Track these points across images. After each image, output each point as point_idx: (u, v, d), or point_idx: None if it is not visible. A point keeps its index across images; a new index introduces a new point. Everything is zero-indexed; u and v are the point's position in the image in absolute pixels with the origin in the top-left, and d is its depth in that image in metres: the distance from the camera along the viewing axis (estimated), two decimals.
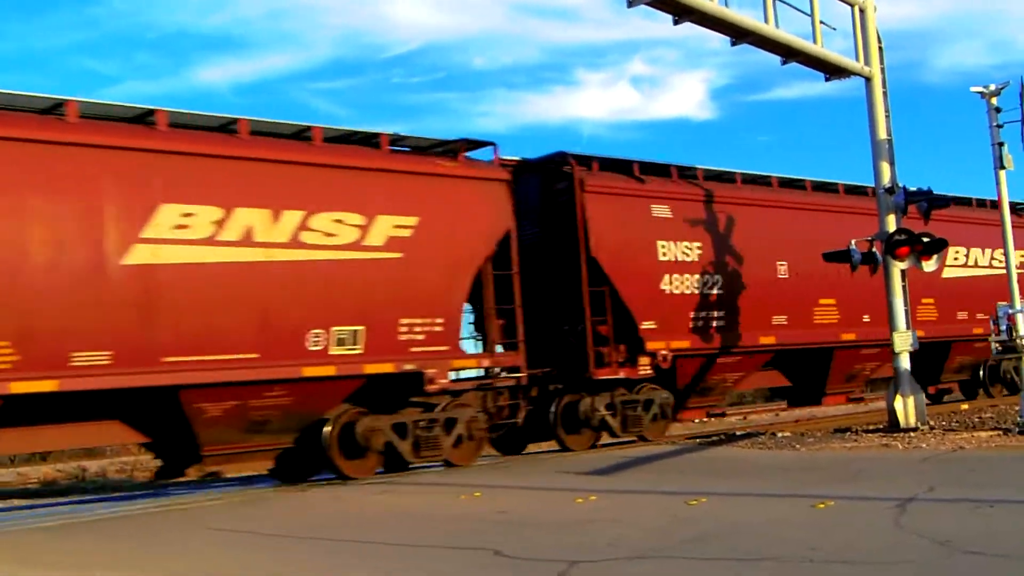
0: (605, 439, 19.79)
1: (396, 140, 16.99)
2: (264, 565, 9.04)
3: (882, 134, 18.97)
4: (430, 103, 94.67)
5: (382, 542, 9.80)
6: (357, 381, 15.76)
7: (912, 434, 17.45)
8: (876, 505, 10.10)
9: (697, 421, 27.39)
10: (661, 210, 19.82)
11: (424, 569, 8.46)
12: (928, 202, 18.80)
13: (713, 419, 28.10)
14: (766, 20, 17.17)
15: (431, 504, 12.71)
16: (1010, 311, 17.54)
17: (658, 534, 9.33)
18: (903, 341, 18.54)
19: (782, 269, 21.73)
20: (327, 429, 15.54)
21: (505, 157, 18.57)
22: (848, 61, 18.76)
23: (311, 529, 11.05)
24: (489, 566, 8.29)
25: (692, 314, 20.01)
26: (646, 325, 19.16)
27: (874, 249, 18.66)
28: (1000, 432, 16.96)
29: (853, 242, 18.74)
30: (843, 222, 22.24)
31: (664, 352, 19.30)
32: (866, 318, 22.75)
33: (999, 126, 18.39)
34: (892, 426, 18.33)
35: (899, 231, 18.45)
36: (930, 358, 24.85)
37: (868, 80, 19.01)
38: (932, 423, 18.66)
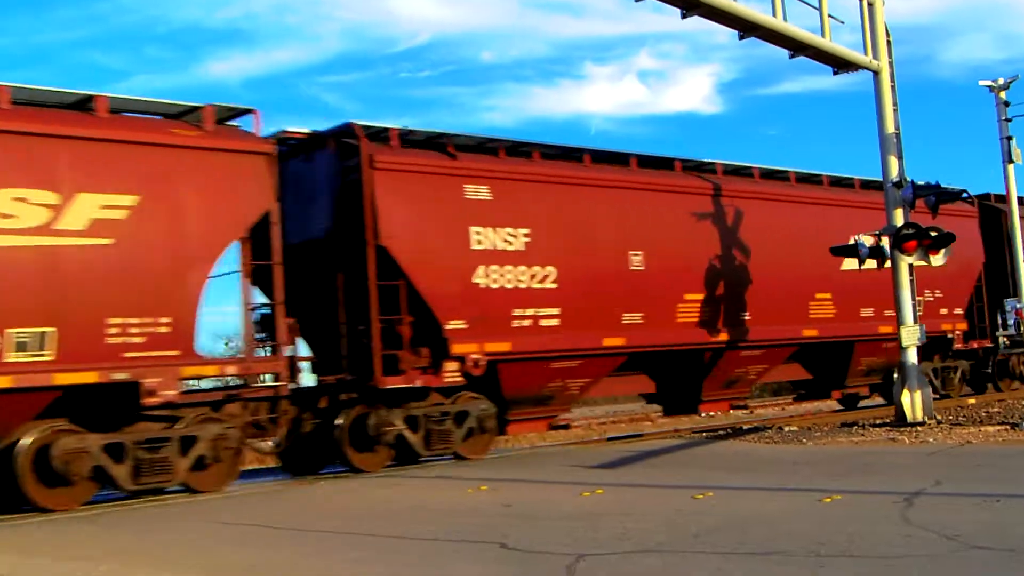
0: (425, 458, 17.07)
1: (121, 105, 14.38)
2: (274, 559, 9.06)
3: (890, 128, 18.95)
4: (438, 97, 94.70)
5: (390, 535, 9.80)
6: (49, 394, 13.07)
7: (919, 428, 17.45)
8: (883, 499, 10.09)
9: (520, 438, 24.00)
10: (478, 191, 17.18)
11: (431, 562, 8.47)
12: (936, 196, 18.77)
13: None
14: (774, 14, 17.15)
15: (438, 498, 12.72)
16: (1018, 306, 17.48)
17: (665, 527, 9.33)
18: (911, 335, 18.54)
19: (636, 260, 19.01)
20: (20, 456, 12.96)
21: (293, 129, 16.74)
22: (856, 55, 18.73)
23: (321, 523, 11.06)
24: (497, 559, 8.30)
25: (517, 312, 17.34)
26: (453, 325, 16.55)
27: (882, 243, 18.64)
28: (1008, 427, 16.95)
29: (859, 236, 18.71)
30: (724, 207, 20.78)
31: (476, 356, 16.67)
32: (746, 316, 20.73)
33: (1008, 120, 18.39)
34: (899, 420, 18.34)
35: (907, 225, 18.44)
36: (831, 360, 23.53)
37: (876, 74, 18.98)
38: (939, 417, 18.66)
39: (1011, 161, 18.33)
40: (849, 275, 21.54)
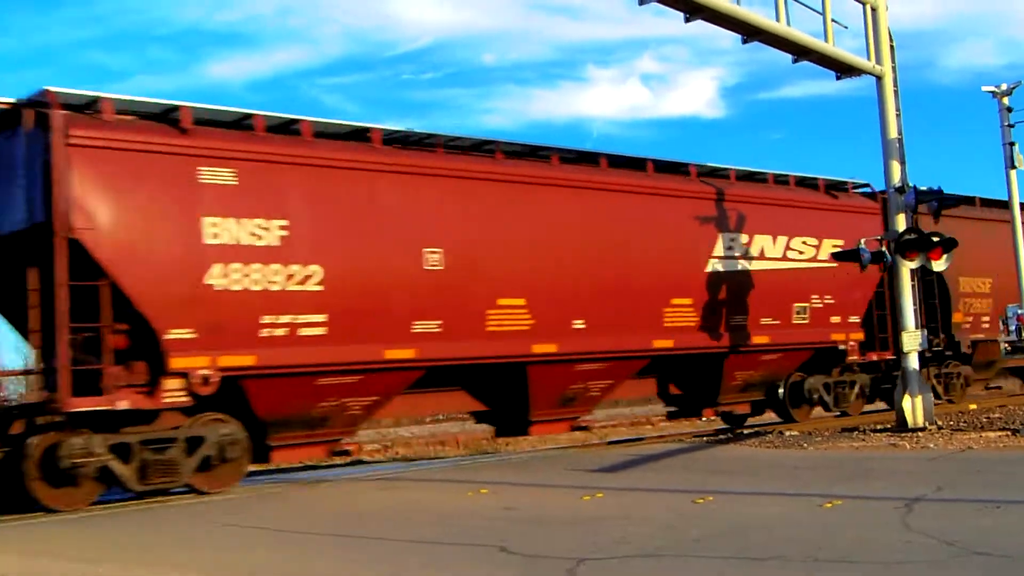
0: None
1: None
2: (275, 561, 9.07)
3: (892, 133, 18.95)
4: (440, 99, 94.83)
5: (390, 538, 9.81)
6: None
7: (920, 434, 17.44)
8: (883, 505, 10.10)
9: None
10: (217, 175, 14.13)
11: (431, 565, 8.48)
12: (938, 201, 18.78)
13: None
14: (777, 18, 17.16)
15: (438, 501, 12.73)
16: (1020, 311, 17.49)
17: (666, 532, 9.34)
18: (912, 341, 18.53)
19: (433, 259, 15.92)
20: None
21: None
22: (860, 60, 18.73)
23: (320, 525, 11.08)
24: (497, 563, 8.31)
25: (267, 319, 14.27)
26: (176, 334, 13.54)
27: (883, 248, 18.65)
28: (1009, 432, 16.94)
29: (863, 241, 18.72)
30: (554, 200, 17.62)
31: (206, 372, 13.68)
32: (580, 325, 17.58)
33: (1010, 126, 18.39)
34: (900, 425, 18.33)
35: (909, 230, 18.44)
36: (701, 374, 20.43)
37: (879, 79, 18.98)
38: (940, 423, 18.65)
39: (1013, 166, 18.32)
40: (717, 278, 19.80)
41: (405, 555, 8.99)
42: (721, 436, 19.98)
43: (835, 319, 21.98)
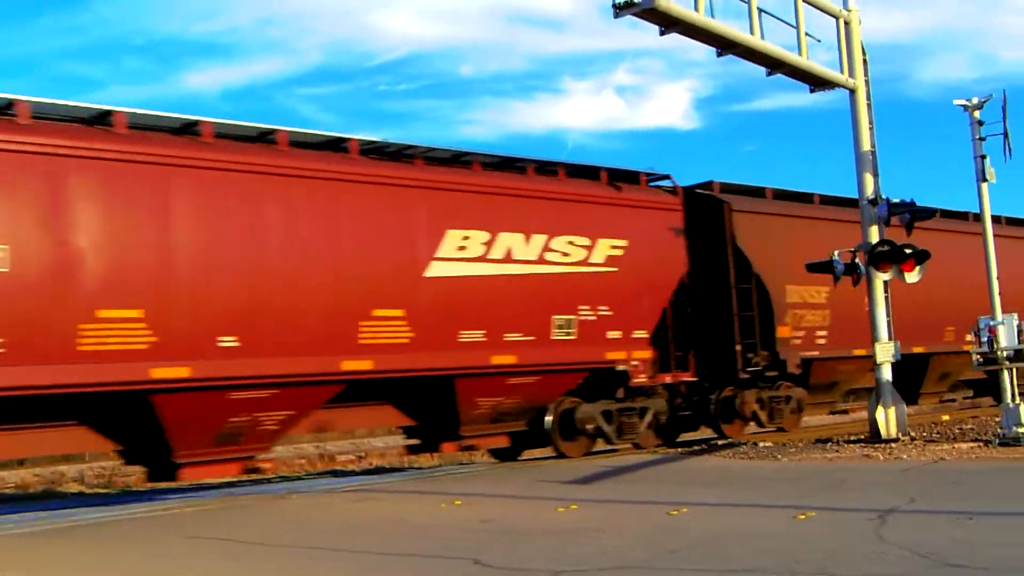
0: None
1: None
2: (244, 575, 8.99)
3: (866, 146, 19.06)
4: (417, 110, 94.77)
5: (361, 551, 9.74)
6: None
7: (893, 445, 17.50)
8: (857, 516, 10.11)
9: None
10: None
11: None
12: (911, 214, 18.88)
13: None
14: (752, 32, 17.22)
15: (412, 512, 12.66)
16: (991, 323, 17.60)
17: (641, 544, 9.31)
18: (885, 352, 18.62)
19: None
20: None
21: None
22: (833, 73, 18.84)
23: (290, 537, 10.98)
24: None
25: None
26: None
27: (857, 260, 18.75)
28: (981, 443, 17.03)
29: (836, 253, 18.81)
30: (207, 187, 14.25)
31: None
32: (230, 342, 14.11)
33: (981, 139, 18.45)
34: (873, 436, 18.40)
35: (882, 242, 18.54)
36: (436, 401, 17.10)
37: (852, 92, 19.10)
38: (913, 434, 18.73)
39: (985, 180, 18.41)
40: (443, 285, 16.47)
41: (376, 568, 8.93)
42: (695, 448, 19.98)
43: (613, 334, 18.77)
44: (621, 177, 19.86)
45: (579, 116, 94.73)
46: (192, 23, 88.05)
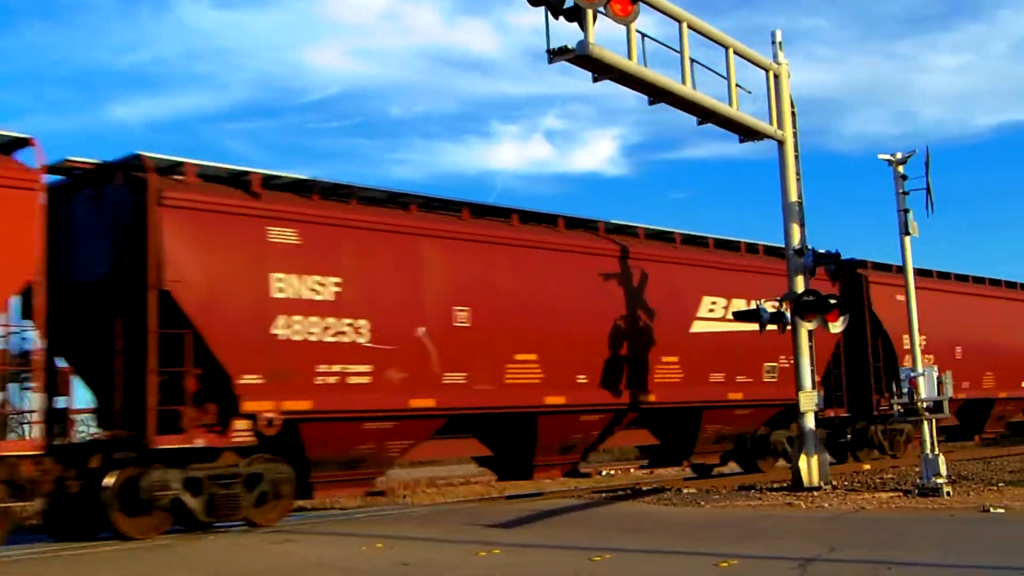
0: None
1: None
2: None
3: (793, 196, 19.36)
4: (345, 148, 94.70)
5: None
6: None
7: (815, 493, 17.64)
8: (778, 565, 10.13)
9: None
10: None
11: None
12: (836, 264, 19.19)
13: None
14: (684, 81, 17.43)
15: (332, 556, 12.44)
16: (912, 374, 17.87)
17: None
18: (808, 401, 18.82)
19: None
20: None
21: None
22: (763, 124, 19.13)
23: None
24: None
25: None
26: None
27: (783, 309, 18.98)
28: (900, 493, 17.23)
29: (763, 301, 19.05)
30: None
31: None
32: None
33: (905, 193, 18.83)
34: (796, 485, 18.53)
35: (807, 292, 18.79)
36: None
37: (781, 143, 19.42)
38: (835, 483, 18.90)
39: (908, 233, 18.77)
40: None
41: None
42: (620, 492, 19.96)
43: None
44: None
45: (508, 159, 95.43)
46: (119, 54, 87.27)
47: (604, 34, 15.80)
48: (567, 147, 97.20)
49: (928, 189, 18.68)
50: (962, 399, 26.95)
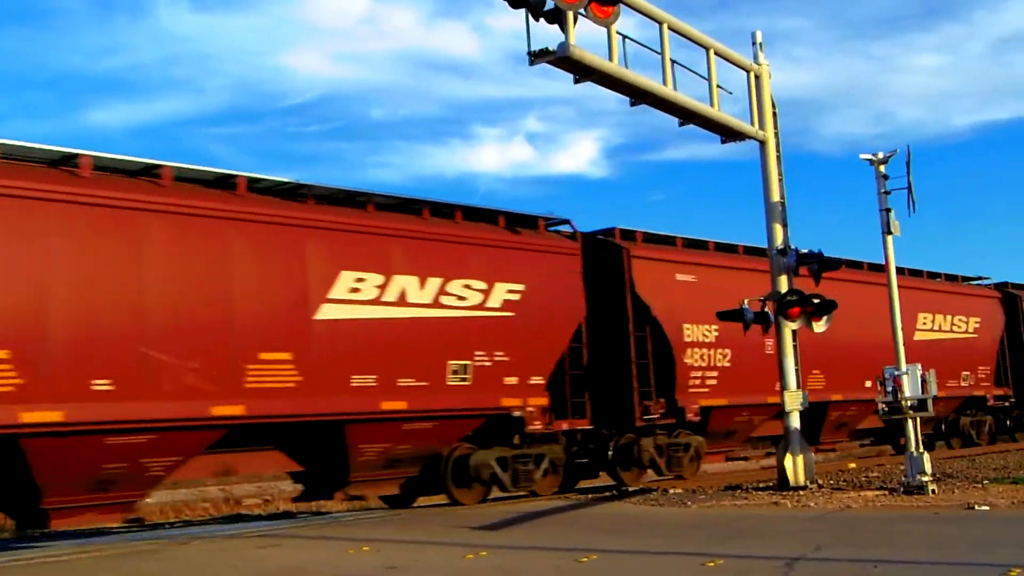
0: None
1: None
2: None
3: (775, 196, 19.39)
4: (326, 152, 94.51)
5: None
6: None
7: (801, 492, 17.67)
8: (764, 564, 10.14)
9: None
10: None
11: None
12: (819, 264, 19.22)
13: None
14: (665, 83, 17.44)
15: (317, 559, 12.40)
16: (896, 373, 17.90)
17: None
18: (793, 400, 18.84)
19: None
20: None
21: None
22: (744, 125, 19.16)
23: None
24: None
25: None
26: None
27: (766, 309, 19.01)
28: (886, 491, 17.29)
29: (746, 301, 19.09)
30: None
31: None
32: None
33: (887, 192, 18.88)
34: (782, 484, 18.56)
35: (791, 292, 18.82)
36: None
37: (762, 144, 19.45)
38: (821, 482, 18.94)
39: (889, 232, 18.81)
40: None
41: None
42: (606, 494, 19.95)
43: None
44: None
45: (490, 162, 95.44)
46: (96, 59, 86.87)
47: (585, 36, 15.78)
48: (548, 149, 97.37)
49: (909, 188, 18.75)
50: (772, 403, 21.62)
